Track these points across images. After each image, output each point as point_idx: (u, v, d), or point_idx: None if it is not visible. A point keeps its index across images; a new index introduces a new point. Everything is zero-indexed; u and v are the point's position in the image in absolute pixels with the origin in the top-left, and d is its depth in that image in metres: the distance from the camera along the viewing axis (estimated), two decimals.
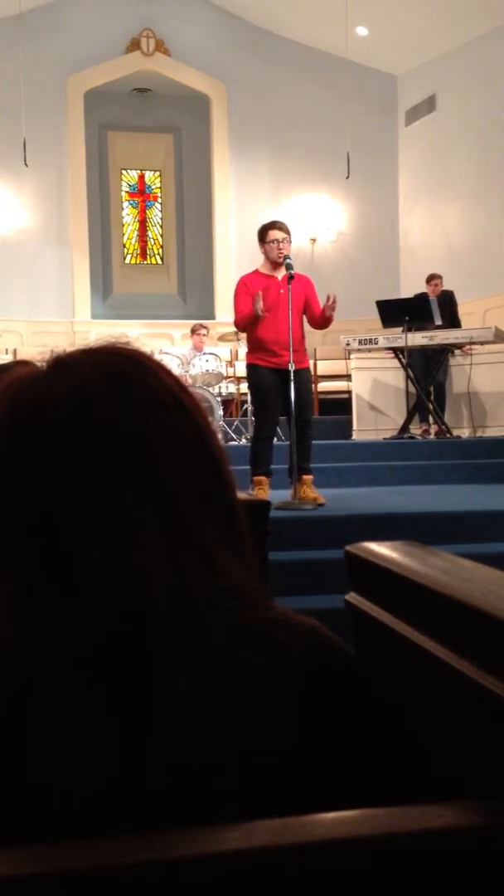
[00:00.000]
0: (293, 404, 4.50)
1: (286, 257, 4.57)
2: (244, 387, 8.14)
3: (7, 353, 9.78)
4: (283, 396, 4.62)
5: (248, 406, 7.80)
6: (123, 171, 12.10)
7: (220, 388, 7.84)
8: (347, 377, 8.64)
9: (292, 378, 4.49)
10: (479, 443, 6.91)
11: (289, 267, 4.51)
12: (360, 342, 7.52)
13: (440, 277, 8.07)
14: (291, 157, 11.10)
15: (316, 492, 4.73)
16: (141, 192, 12.23)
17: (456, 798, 0.54)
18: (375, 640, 0.82)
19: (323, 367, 9.81)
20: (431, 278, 8.05)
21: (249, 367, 4.74)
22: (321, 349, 10.03)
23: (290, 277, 4.48)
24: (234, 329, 8.01)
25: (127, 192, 12.17)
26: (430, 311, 7.05)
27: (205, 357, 7.81)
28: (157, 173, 12.20)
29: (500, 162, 9.67)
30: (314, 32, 10.75)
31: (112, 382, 0.68)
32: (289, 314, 4.48)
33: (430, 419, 7.60)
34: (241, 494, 0.78)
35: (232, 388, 8.17)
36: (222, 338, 8.58)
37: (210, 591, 0.67)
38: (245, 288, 4.66)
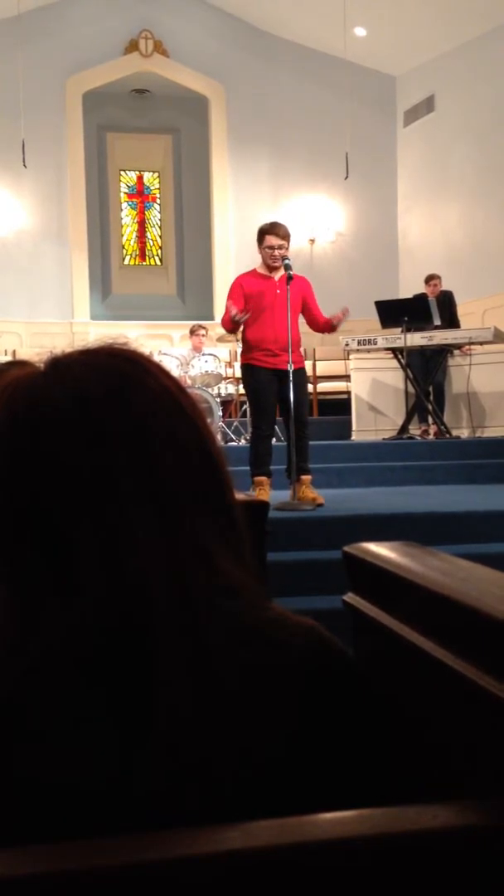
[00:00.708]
0: (293, 405, 4.50)
1: (284, 258, 4.56)
2: (243, 387, 8.15)
3: (6, 354, 9.78)
4: (280, 397, 4.62)
5: (248, 407, 7.81)
6: (122, 172, 12.10)
7: (219, 388, 7.83)
8: (346, 378, 8.64)
9: (291, 379, 4.48)
10: (479, 443, 6.92)
11: (287, 268, 4.50)
12: (359, 343, 7.52)
13: (439, 278, 8.07)
14: (290, 157, 11.10)
15: (315, 492, 4.73)
16: (140, 193, 12.24)
17: (453, 798, 0.54)
18: (374, 641, 0.82)
19: (322, 368, 9.81)
20: (430, 278, 8.05)
21: (245, 367, 4.71)
22: (320, 350, 10.03)
23: (289, 278, 4.47)
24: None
25: (126, 193, 12.17)
26: (429, 312, 7.05)
27: (204, 358, 7.81)
28: (156, 174, 12.21)
29: (498, 162, 9.68)
30: (313, 33, 10.75)
31: (110, 383, 0.68)
32: (288, 315, 4.47)
33: (430, 419, 7.60)
34: (240, 495, 0.78)
35: (231, 389, 8.16)
36: (221, 339, 8.58)
37: (209, 591, 0.67)
38: (240, 289, 4.64)
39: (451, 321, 7.81)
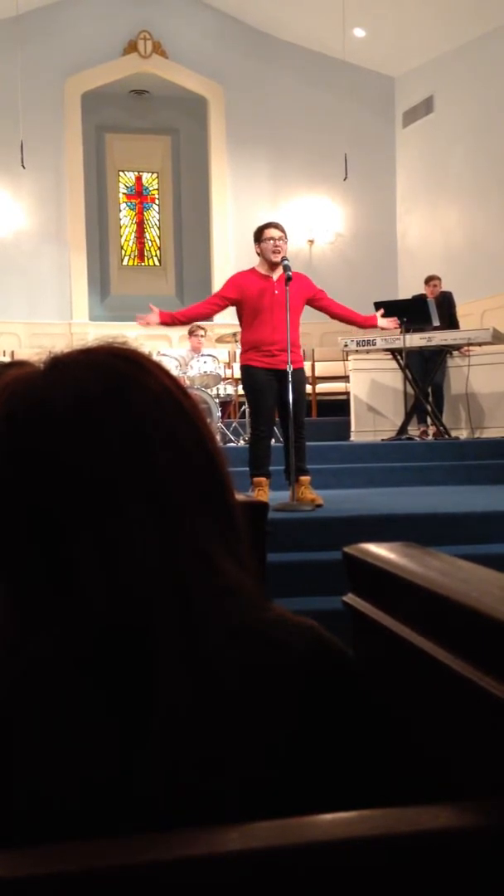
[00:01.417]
0: (291, 405, 4.50)
1: (283, 258, 4.56)
2: (242, 388, 8.14)
3: (4, 354, 9.78)
4: (279, 397, 4.62)
5: (247, 407, 7.80)
6: (121, 173, 12.10)
7: (217, 389, 7.83)
8: (345, 378, 8.65)
9: (290, 379, 4.48)
10: (477, 444, 6.92)
11: (286, 268, 4.50)
12: (357, 343, 7.53)
13: (439, 279, 8.08)
14: (289, 158, 11.11)
15: (314, 493, 4.73)
16: (138, 194, 12.24)
17: (453, 799, 0.54)
18: (373, 641, 0.82)
19: (321, 369, 9.81)
20: (430, 279, 8.05)
21: (243, 367, 4.71)
22: (319, 350, 10.04)
23: (288, 279, 4.47)
24: (232, 331, 8.03)
25: (124, 193, 12.18)
26: (427, 313, 7.05)
27: (203, 359, 7.81)
28: (155, 175, 12.21)
29: (497, 163, 9.68)
30: (312, 34, 10.76)
31: (110, 383, 0.68)
32: (286, 315, 4.47)
33: (429, 420, 7.60)
34: (240, 496, 0.78)
35: (230, 390, 8.16)
36: (220, 339, 8.58)
37: (209, 591, 0.67)
38: (233, 287, 4.64)
39: (450, 322, 7.81)
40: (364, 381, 8.01)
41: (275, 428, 5.04)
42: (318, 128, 10.97)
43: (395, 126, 11.41)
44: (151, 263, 12.19)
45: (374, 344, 7.43)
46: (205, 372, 7.68)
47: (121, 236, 12.11)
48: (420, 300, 7.38)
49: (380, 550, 0.85)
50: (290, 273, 4.48)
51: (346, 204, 11.28)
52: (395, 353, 7.33)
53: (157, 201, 12.26)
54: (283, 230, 4.65)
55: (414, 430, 7.54)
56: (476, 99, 9.96)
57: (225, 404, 8.30)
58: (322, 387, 9.78)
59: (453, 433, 7.53)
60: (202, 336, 8.37)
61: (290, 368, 4.47)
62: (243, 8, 10.84)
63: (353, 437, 7.83)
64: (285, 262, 4.53)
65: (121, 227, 12.13)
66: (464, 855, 0.51)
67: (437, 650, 0.65)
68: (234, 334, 7.90)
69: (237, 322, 4.88)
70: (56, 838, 0.52)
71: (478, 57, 9.91)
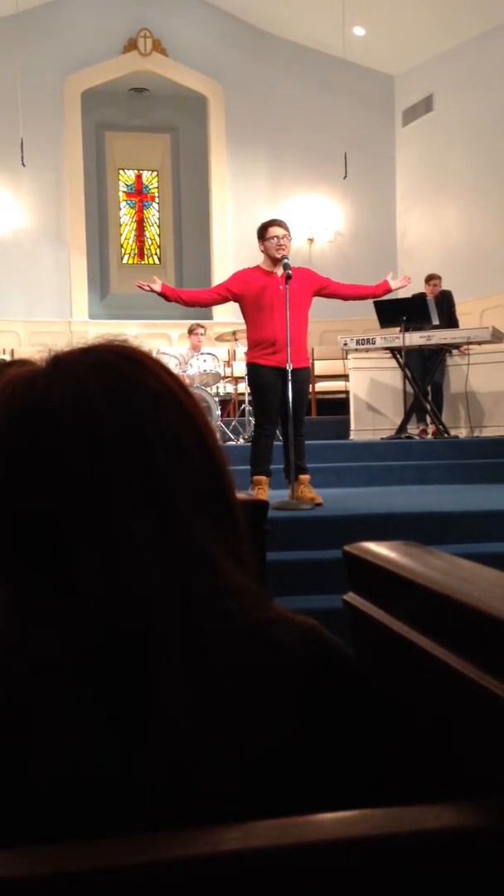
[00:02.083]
0: (291, 404, 4.51)
1: (283, 256, 4.56)
2: (242, 387, 8.15)
3: (4, 353, 9.78)
4: (283, 395, 4.62)
5: (246, 406, 7.81)
6: (121, 171, 12.10)
7: (217, 388, 7.84)
8: (345, 377, 8.65)
9: (290, 378, 4.49)
10: (477, 443, 6.92)
11: (286, 267, 4.50)
12: (357, 342, 7.53)
13: (439, 278, 8.08)
14: (289, 157, 11.10)
15: (314, 492, 4.73)
16: (138, 192, 12.24)
17: (455, 798, 0.54)
18: (374, 640, 0.82)
19: (320, 367, 9.81)
20: (430, 278, 8.05)
21: (249, 365, 4.74)
22: (319, 349, 10.04)
23: (288, 277, 4.47)
24: (231, 329, 8.04)
25: (124, 192, 12.17)
26: (427, 312, 7.05)
27: (202, 357, 7.81)
28: (155, 173, 12.21)
29: (497, 162, 9.68)
30: (311, 33, 10.75)
31: (110, 382, 0.68)
32: (286, 313, 4.47)
33: (428, 419, 7.60)
34: (240, 494, 0.78)
35: (230, 388, 8.16)
36: (220, 338, 8.58)
37: (209, 591, 0.67)
38: (238, 281, 4.66)
39: (449, 321, 7.81)
40: (363, 380, 8.01)
41: (277, 427, 5.04)
42: (317, 126, 10.96)
43: (394, 125, 11.40)
44: (151, 262, 12.18)
45: (374, 343, 7.44)
46: (204, 370, 7.68)
47: (120, 235, 12.10)
48: (419, 299, 7.38)
49: (380, 549, 0.85)
50: (290, 272, 4.47)
51: (345, 202, 11.28)
52: (394, 351, 7.33)
53: (156, 200, 12.25)
54: (286, 228, 4.66)
55: (413, 429, 7.54)
56: (476, 98, 9.96)
57: (224, 403, 8.30)
58: (321, 385, 9.78)
59: (453, 432, 7.53)
60: (202, 334, 8.38)
61: (289, 367, 4.47)
62: (243, 6, 10.83)
63: (353, 436, 7.83)
64: (285, 260, 4.53)
65: (120, 226, 12.13)
66: (465, 854, 0.51)
67: (437, 649, 0.65)
68: (234, 333, 7.91)
69: (236, 320, 4.88)
70: (56, 838, 0.52)
71: (477, 56, 9.91)
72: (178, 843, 0.49)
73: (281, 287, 4.55)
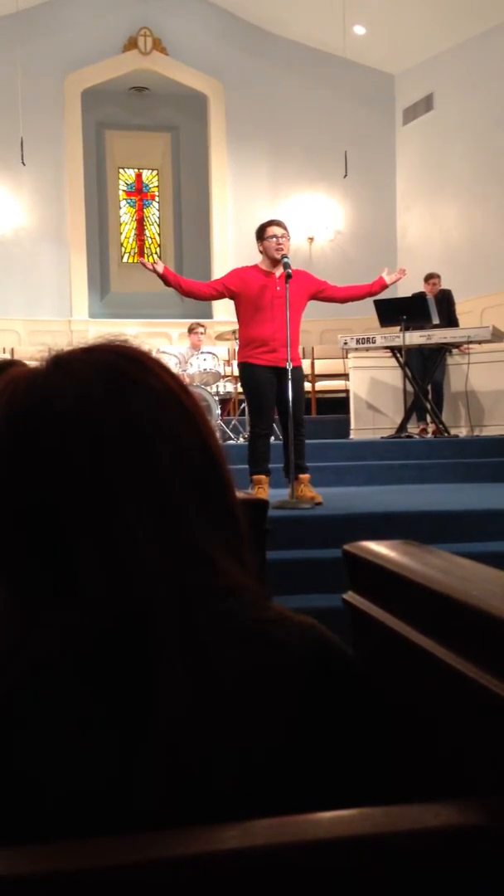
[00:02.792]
0: (286, 404, 4.51)
1: (284, 256, 4.56)
2: (241, 386, 8.14)
3: (4, 352, 9.78)
4: (279, 395, 4.62)
5: (247, 405, 7.80)
6: (121, 170, 12.09)
7: (217, 387, 7.84)
8: (345, 376, 8.65)
9: (290, 377, 4.49)
10: (477, 442, 6.92)
11: (286, 266, 4.50)
12: (357, 341, 7.53)
13: (438, 276, 8.08)
14: (289, 156, 11.10)
15: (314, 491, 4.73)
16: (138, 191, 12.23)
17: (454, 796, 0.54)
18: (373, 639, 0.82)
19: (320, 367, 9.81)
20: (430, 277, 8.05)
21: (242, 364, 4.71)
22: (319, 348, 10.04)
23: (288, 276, 4.47)
24: (231, 328, 8.03)
25: (124, 190, 12.17)
26: (427, 311, 7.05)
27: (202, 356, 7.81)
28: (155, 172, 12.20)
29: (497, 161, 9.68)
30: (312, 31, 10.75)
31: (111, 382, 0.68)
32: (286, 313, 4.47)
33: (428, 418, 7.60)
34: (239, 493, 0.78)
35: (230, 387, 8.16)
36: (220, 337, 8.58)
37: (209, 591, 0.67)
38: (235, 278, 4.65)
39: (449, 320, 7.81)
40: (364, 379, 8.01)
41: (274, 425, 5.05)
42: (317, 125, 10.96)
43: (394, 123, 11.40)
44: (151, 261, 12.18)
45: (374, 342, 7.44)
46: (204, 369, 7.68)
47: (120, 233, 12.10)
48: (420, 298, 7.38)
49: (379, 548, 0.85)
50: (290, 271, 4.48)
51: (345, 201, 11.27)
52: (394, 351, 7.33)
53: (156, 198, 12.25)
54: (285, 227, 4.67)
55: (413, 428, 7.54)
56: (476, 96, 9.96)
57: (224, 402, 8.30)
58: (322, 385, 9.78)
59: (453, 431, 7.53)
60: (202, 333, 8.38)
61: (289, 366, 4.47)
62: (243, 5, 10.83)
63: (353, 435, 7.83)
64: (285, 259, 4.53)
65: (120, 225, 12.12)
66: (464, 853, 0.51)
67: (437, 648, 0.65)
68: (234, 332, 7.90)
69: (236, 319, 4.87)
70: (56, 837, 0.52)
71: (478, 54, 9.91)
72: (177, 841, 0.49)
73: (279, 287, 4.55)
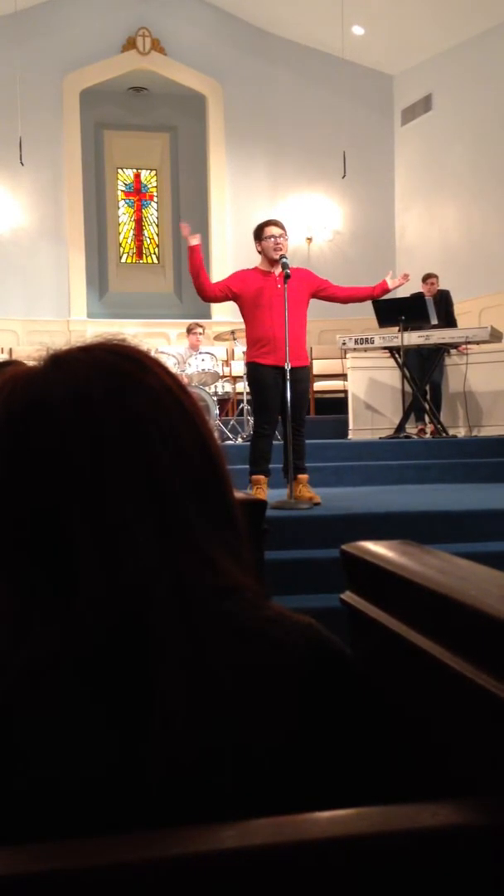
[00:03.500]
0: (290, 402, 4.51)
1: (282, 255, 4.58)
2: (240, 386, 8.15)
3: (2, 352, 9.78)
4: (283, 394, 4.63)
5: (245, 405, 7.81)
6: (119, 170, 12.09)
7: (216, 387, 7.84)
8: (343, 377, 8.65)
9: (288, 377, 4.49)
10: (475, 442, 6.92)
11: (284, 266, 4.52)
12: (355, 342, 7.53)
13: (436, 277, 8.08)
14: (288, 156, 11.10)
15: (312, 491, 4.73)
16: (137, 191, 12.23)
17: (452, 796, 0.54)
18: (371, 639, 0.82)
19: (319, 367, 9.81)
20: (427, 277, 8.06)
21: (249, 364, 4.75)
22: (317, 349, 10.03)
23: (287, 276, 4.48)
24: (230, 328, 8.04)
25: (123, 190, 12.16)
26: (425, 311, 7.05)
27: (201, 356, 7.81)
28: (153, 172, 12.20)
29: (496, 161, 9.68)
30: (311, 32, 10.75)
31: (110, 381, 0.68)
32: (285, 312, 4.48)
33: (426, 418, 7.61)
34: (238, 493, 0.78)
35: (228, 388, 8.16)
36: (218, 337, 8.58)
37: (208, 590, 0.67)
38: (237, 280, 4.69)
39: (447, 320, 7.81)
40: (362, 380, 8.02)
41: (277, 426, 5.05)
42: (316, 125, 10.96)
43: (393, 124, 11.40)
44: (150, 261, 12.17)
45: (373, 342, 7.44)
46: (203, 370, 7.68)
47: (119, 233, 12.09)
48: (418, 298, 7.39)
49: (378, 548, 0.85)
50: (289, 270, 4.49)
51: (344, 202, 11.28)
52: (393, 351, 7.33)
53: (155, 199, 12.24)
54: (283, 227, 4.69)
55: (412, 429, 7.55)
56: (475, 97, 9.96)
57: (223, 402, 8.30)
58: (320, 385, 9.78)
59: (451, 431, 7.54)
60: (201, 334, 8.38)
61: (287, 367, 4.48)
62: (242, 5, 10.82)
63: (351, 436, 7.84)
64: (284, 259, 4.55)
65: (119, 225, 12.12)
66: (462, 852, 0.51)
67: (435, 648, 0.65)
68: (233, 332, 7.91)
69: (235, 320, 4.90)
70: (55, 836, 0.52)
71: (477, 55, 9.91)
72: (176, 840, 0.50)
73: (279, 286, 4.56)
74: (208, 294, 4.82)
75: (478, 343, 7.33)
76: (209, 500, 0.71)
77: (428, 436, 7.48)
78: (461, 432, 7.68)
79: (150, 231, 12.24)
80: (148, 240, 12.21)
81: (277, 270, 4.63)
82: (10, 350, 9.94)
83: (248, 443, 4.98)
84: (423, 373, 7.39)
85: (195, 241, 4.73)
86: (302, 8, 10.26)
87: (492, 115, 9.69)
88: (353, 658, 0.75)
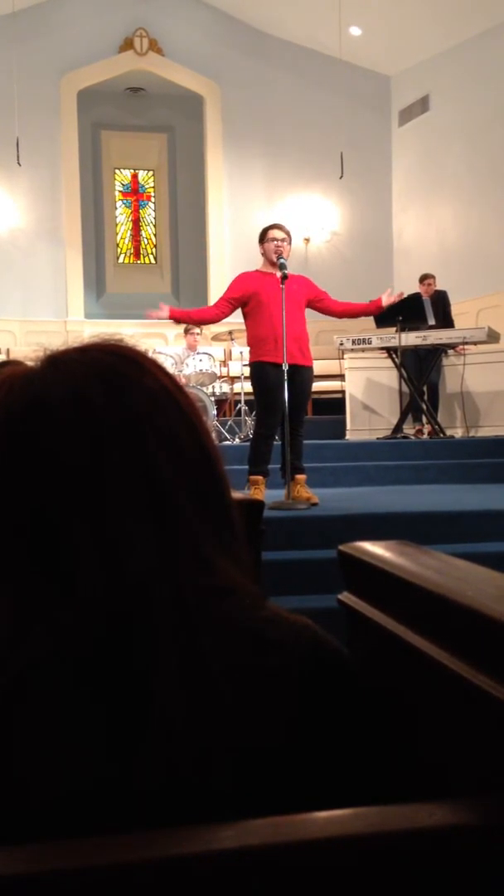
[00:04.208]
0: (289, 401, 4.52)
1: (279, 256, 4.62)
2: (238, 386, 8.15)
3: (0, 352, 9.77)
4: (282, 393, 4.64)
5: (242, 406, 7.81)
6: (117, 171, 12.09)
7: (213, 387, 7.84)
8: (341, 377, 8.66)
9: (286, 377, 4.50)
10: (473, 443, 6.93)
11: (282, 267, 4.56)
12: (353, 342, 7.53)
13: (433, 277, 8.08)
14: (285, 156, 11.10)
15: (309, 491, 4.73)
16: (134, 192, 12.22)
17: (449, 796, 0.54)
18: (369, 639, 0.82)
19: (317, 367, 9.71)
20: (425, 278, 8.06)
21: (254, 364, 4.75)
22: (315, 349, 9.94)
23: (284, 277, 4.52)
24: (227, 329, 8.03)
25: (120, 191, 12.16)
26: (423, 311, 7.06)
27: (198, 357, 7.81)
28: (151, 173, 12.20)
29: (493, 162, 9.69)
30: (308, 32, 10.75)
31: (108, 382, 0.68)
32: (283, 313, 4.49)
33: (424, 419, 7.61)
34: (236, 494, 0.78)
35: (225, 388, 8.16)
36: (216, 337, 8.58)
37: (205, 591, 0.67)
38: (237, 286, 4.73)
39: (445, 321, 7.82)
40: (360, 380, 8.02)
41: (279, 426, 5.06)
42: (314, 126, 10.96)
43: (391, 125, 11.41)
44: (147, 261, 12.17)
45: (370, 343, 7.44)
46: (201, 370, 7.68)
47: (116, 234, 12.09)
48: (415, 299, 7.39)
49: (375, 549, 0.85)
50: (286, 272, 4.54)
51: (342, 202, 11.28)
52: (390, 351, 7.34)
53: (152, 199, 12.24)
54: (286, 232, 4.77)
55: (409, 429, 7.55)
56: (472, 98, 9.97)
57: (220, 402, 8.30)
58: (318, 385, 9.73)
59: (448, 432, 7.54)
60: (198, 334, 8.37)
61: (285, 366, 4.50)
62: (240, 6, 10.82)
63: (349, 436, 7.84)
64: (281, 261, 4.60)
65: (116, 225, 12.11)
66: (459, 853, 0.51)
67: (432, 648, 0.65)
68: (230, 332, 7.90)
69: (232, 320, 4.91)
70: (54, 836, 0.52)
71: (474, 56, 9.92)
72: (175, 840, 0.50)
73: (279, 287, 4.58)
74: (212, 318, 4.88)
75: (475, 343, 7.33)
76: (207, 500, 0.71)
77: (425, 436, 7.49)
78: (458, 433, 7.69)
79: (148, 231, 12.23)
80: (145, 240, 12.21)
81: (278, 272, 4.66)
82: (8, 350, 9.93)
83: (246, 443, 4.99)
84: (421, 373, 7.40)
85: (164, 312, 4.81)
86: (299, 9, 10.26)
87: (489, 115, 9.70)
88: (350, 658, 0.75)
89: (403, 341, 7.08)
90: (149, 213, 12.25)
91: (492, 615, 0.58)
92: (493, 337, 7.25)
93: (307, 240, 11.22)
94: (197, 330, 8.37)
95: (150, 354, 0.74)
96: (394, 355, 7.26)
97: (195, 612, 0.66)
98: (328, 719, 0.68)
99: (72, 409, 0.66)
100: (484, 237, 9.86)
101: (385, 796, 0.64)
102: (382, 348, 7.43)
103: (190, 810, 0.60)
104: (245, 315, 4.78)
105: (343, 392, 8.36)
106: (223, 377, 8.40)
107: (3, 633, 0.66)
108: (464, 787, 0.61)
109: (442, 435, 7.28)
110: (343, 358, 8.16)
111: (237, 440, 7.43)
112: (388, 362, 7.50)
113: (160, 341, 10.69)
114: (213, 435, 0.76)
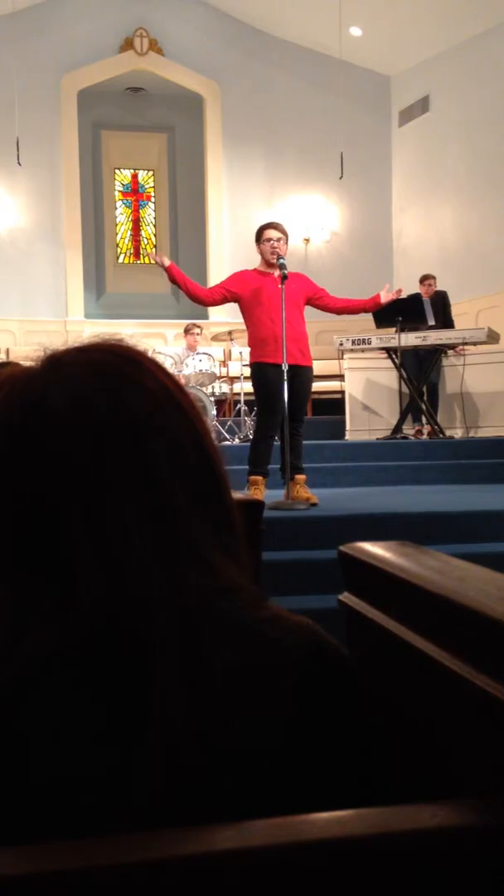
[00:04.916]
0: (288, 401, 4.52)
1: (279, 257, 4.61)
2: (237, 387, 8.15)
3: (0, 352, 9.77)
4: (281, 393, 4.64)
5: (242, 406, 7.81)
6: (117, 171, 12.09)
7: (213, 387, 7.84)
8: (341, 377, 8.66)
9: (286, 376, 4.50)
10: (472, 443, 6.93)
11: (282, 267, 4.55)
12: (353, 342, 7.54)
13: (434, 278, 8.09)
14: (285, 157, 11.11)
15: (309, 491, 4.73)
16: (134, 192, 12.22)
17: (450, 797, 0.54)
18: (369, 640, 0.82)
19: (316, 367, 9.72)
20: (425, 279, 8.06)
21: (255, 365, 4.74)
22: (314, 349, 9.95)
23: (284, 277, 4.51)
24: (227, 329, 8.04)
25: (120, 191, 12.16)
26: (423, 312, 7.06)
27: (198, 357, 7.81)
28: (151, 173, 12.20)
29: (493, 162, 9.70)
30: (308, 32, 10.75)
31: (108, 381, 0.68)
32: (282, 313, 4.49)
33: (424, 419, 7.61)
34: (236, 494, 0.78)
35: (225, 388, 8.17)
36: (216, 337, 8.58)
37: (205, 591, 0.67)
38: (236, 281, 4.72)
39: (444, 321, 7.82)
40: (359, 380, 8.02)
41: (279, 427, 5.05)
42: (314, 126, 10.97)
43: (391, 125, 11.41)
44: (147, 261, 12.17)
45: (370, 343, 7.44)
46: (200, 370, 7.68)
47: (116, 234, 12.09)
48: (415, 299, 7.39)
49: (375, 549, 0.85)
50: (286, 272, 4.52)
51: (341, 203, 11.28)
52: (390, 352, 7.34)
53: (152, 199, 12.24)
54: (282, 231, 4.74)
55: (409, 430, 7.55)
56: (472, 98, 9.97)
57: (220, 403, 8.30)
58: (317, 385, 9.74)
59: (448, 432, 7.54)
60: (198, 334, 8.38)
61: (285, 366, 4.50)
62: (240, 6, 10.83)
63: (349, 436, 7.84)
64: (280, 261, 4.58)
65: (116, 225, 12.11)
66: (460, 853, 0.51)
67: (432, 648, 0.65)
68: (230, 333, 7.91)
69: (232, 320, 4.91)
70: (55, 836, 0.52)
71: (474, 56, 9.92)
72: (175, 841, 0.50)
73: (278, 286, 4.58)
74: (205, 299, 4.83)
75: (475, 344, 7.34)
76: (207, 501, 0.71)
77: (425, 437, 7.49)
78: (458, 433, 7.69)
79: (148, 231, 12.23)
80: (145, 240, 12.21)
81: (276, 272, 4.65)
82: (8, 350, 9.94)
83: (246, 443, 4.99)
84: (421, 374, 7.40)
85: (166, 261, 4.74)
86: (300, 9, 10.26)
87: (489, 116, 9.70)
88: (350, 659, 0.75)
89: (403, 342, 7.08)
90: (149, 213, 12.25)
91: (492, 615, 0.58)
92: (492, 337, 7.26)
93: (307, 240, 11.23)
94: (197, 330, 8.37)
95: (150, 354, 0.74)
96: (393, 356, 7.26)
97: (195, 612, 0.66)
98: (328, 719, 0.68)
99: (72, 410, 0.66)
100: (484, 237, 9.86)
101: (386, 797, 0.64)
102: (382, 348, 7.43)
103: (190, 810, 0.60)
104: (244, 316, 4.78)
105: (343, 392, 8.37)
106: (223, 377, 8.40)
107: (2, 634, 0.66)
108: (465, 788, 0.61)
109: (442, 435, 7.28)
110: (343, 358, 8.16)
111: (237, 440, 7.43)
112: (388, 363, 7.50)
113: (160, 341, 10.70)
114: (213, 435, 0.76)
